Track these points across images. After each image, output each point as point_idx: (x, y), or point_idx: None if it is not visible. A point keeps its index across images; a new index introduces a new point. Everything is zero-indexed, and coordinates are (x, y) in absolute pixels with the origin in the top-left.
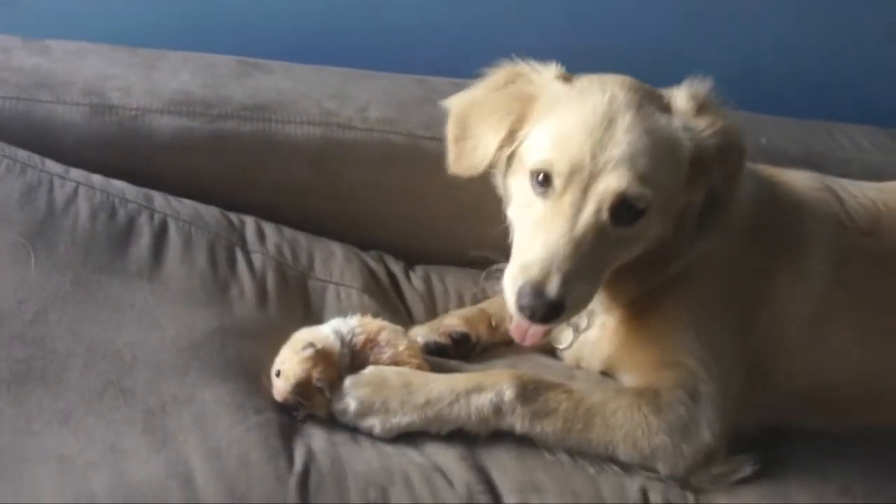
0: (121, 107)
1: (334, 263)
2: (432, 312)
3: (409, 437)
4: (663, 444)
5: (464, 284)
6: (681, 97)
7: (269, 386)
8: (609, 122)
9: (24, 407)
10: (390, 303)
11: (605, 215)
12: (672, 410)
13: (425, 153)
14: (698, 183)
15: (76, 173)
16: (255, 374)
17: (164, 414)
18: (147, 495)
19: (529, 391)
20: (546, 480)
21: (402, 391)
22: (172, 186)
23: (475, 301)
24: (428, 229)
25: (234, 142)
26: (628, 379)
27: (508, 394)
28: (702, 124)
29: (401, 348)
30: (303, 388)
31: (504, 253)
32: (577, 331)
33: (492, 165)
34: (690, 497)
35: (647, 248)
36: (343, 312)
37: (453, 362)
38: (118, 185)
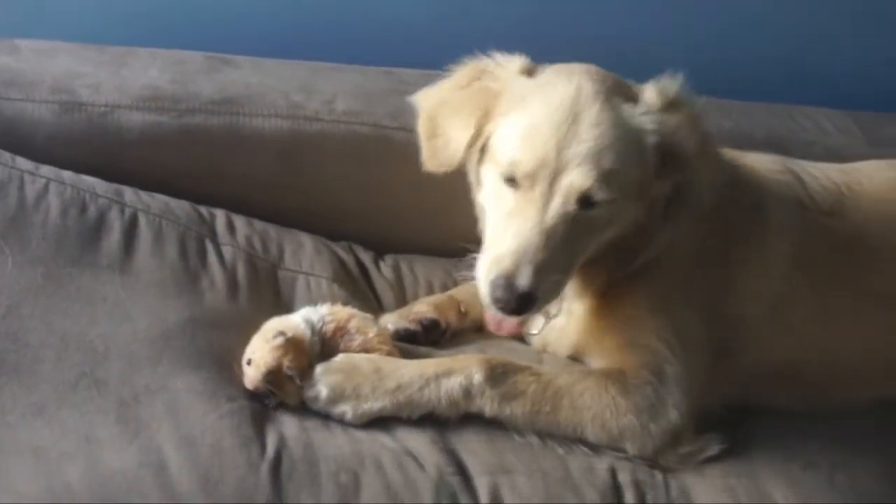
0: (90, 104)
1: (304, 254)
2: (402, 300)
3: (380, 422)
4: (631, 424)
5: (433, 272)
6: (650, 92)
7: (241, 375)
8: (574, 117)
9: None
10: (360, 292)
11: (572, 206)
12: (639, 391)
13: (393, 144)
14: (666, 174)
15: (47, 170)
16: (226, 364)
17: (137, 404)
18: (121, 484)
19: (498, 374)
20: (516, 462)
21: (373, 377)
22: (143, 181)
23: (445, 288)
24: (397, 219)
25: (203, 136)
26: (596, 363)
27: (477, 377)
28: (668, 121)
29: (371, 335)
30: (273, 376)
31: (474, 241)
32: (547, 317)
33: (463, 158)
34: (659, 476)
35: (618, 235)
36: (313, 302)
37: (423, 349)
38: (89, 180)
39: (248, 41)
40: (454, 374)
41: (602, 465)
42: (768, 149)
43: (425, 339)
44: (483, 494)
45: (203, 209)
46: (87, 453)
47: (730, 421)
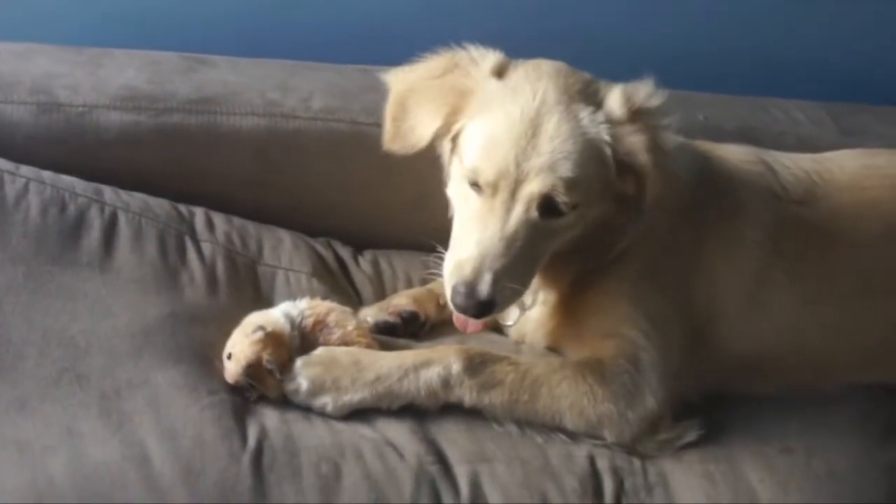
0: (68, 104)
1: (283, 250)
2: (381, 294)
3: (360, 413)
4: (608, 411)
5: (412, 266)
6: (614, 99)
7: (222, 369)
8: (534, 130)
9: None
10: (339, 286)
11: (533, 214)
12: (616, 379)
13: (369, 140)
14: (628, 178)
15: (26, 170)
16: (207, 358)
17: (119, 397)
18: (105, 477)
19: (476, 364)
20: (495, 450)
21: (353, 369)
22: (122, 181)
23: (424, 282)
24: (375, 214)
25: (180, 135)
26: (572, 352)
27: (456, 367)
28: (625, 134)
29: (349, 328)
30: (253, 370)
31: (447, 236)
32: (522, 309)
33: (434, 149)
34: (637, 462)
35: (587, 232)
36: (293, 296)
37: (402, 341)
38: (68, 180)
39: (223, 41)
40: (433, 364)
41: (581, 452)
42: (740, 140)
43: (405, 331)
44: (463, 483)
45: (182, 207)
46: (71, 446)
47: (707, 407)
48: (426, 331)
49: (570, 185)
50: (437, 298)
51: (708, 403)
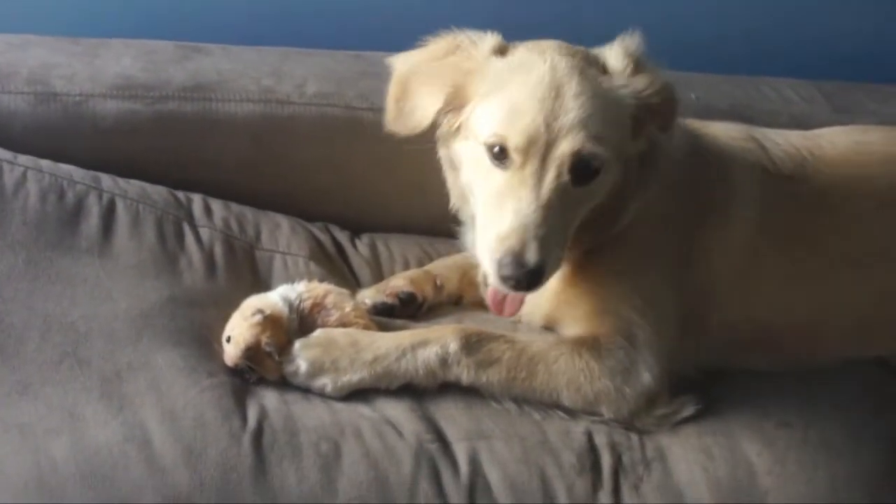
0: (65, 94)
1: (281, 234)
2: (378, 277)
3: (359, 393)
4: (605, 388)
5: (409, 249)
6: (615, 57)
7: (221, 352)
8: (557, 90)
9: None
10: (337, 269)
11: (566, 178)
12: (612, 355)
13: (364, 124)
14: (640, 135)
15: (24, 158)
16: (206, 340)
17: (119, 380)
18: (107, 458)
19: (473, 342)
20: (493, 427)
21: (351, 350)
22: (119, 169)
23: (420, 264)
24: (371, 198)
25: (176, 122)
26: (568, 331)
27: (453, 346)
28: (640, 83)
29: (347, 310)
30: (252, 352)
31: (449, 218)
32: None
33: (436, 131)
34: (634, 437)
35: (601, 201)
36: (290, 280)
37: (400, 322)
38: (66, 168)
39: (218, 29)
40: (430, 343)
41: (578, 428)
42: (733, 119)
43: (402, 312)
44: (462, 460)
45: (180, 193)
46: (73, 429)
47: (704, 382)
48: (423, 312)
49: (600, 141)
50: (434, 280)
51: (705, 378)
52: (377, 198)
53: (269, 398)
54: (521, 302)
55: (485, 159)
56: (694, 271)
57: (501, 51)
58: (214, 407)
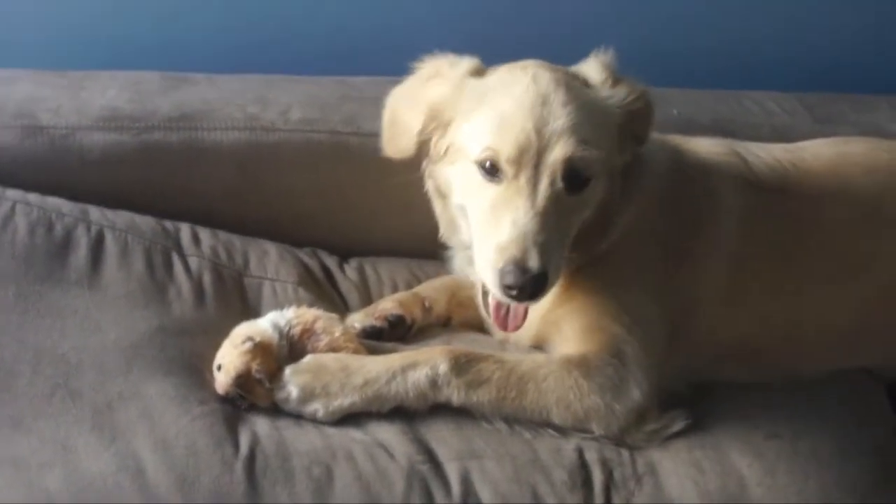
0: (51, 126)
1: (269, 261)
2: (367, 301)
3: (350, 417)
4: (595, 405)
5: (397, 272)
6: (593, 71)
7: (212, 380)
8: (544, 99)
9: None
10: (326, 294)
11: (560, 185)
12: (601, 372)
13: (349, 149)
14: (626, 145)
15: (12, 192)
16: (197, 369)
17: (111, 411)
18: (100, 489)
19: (462, 363)
20: (484, 447)
21: (341, 374)
22: (107, 200)
23: (409, 286)
24: (359, 222)
25: (163, 152)
26: (557, 349)
27: (443, 367)
28: (622, 93)
29: (337, 334)
30: (243, 380)
31: (437, 241)
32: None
33: (425, 155)
34: (625, 453)
35: (590, 214)
36: (280, 306)
37: (390, 344)
38: (54, 201)
39: (203, 59)
40: (420, 365)
41: (569, 445)
42: (715, 133)
43: (391, 335)
44: (454, 480)
45: (168, 223)
46: (66, 461)
47: (693, 396)
48: (413, 334)
49: (590, 147)
50: (422, 302)
51: (694, 392)
52: (364, 222)
53: (261, 424)
54: (525, 315)
55: (476, 176)
56: (680, 286)
57: (478, 72)
58: (206, 434)
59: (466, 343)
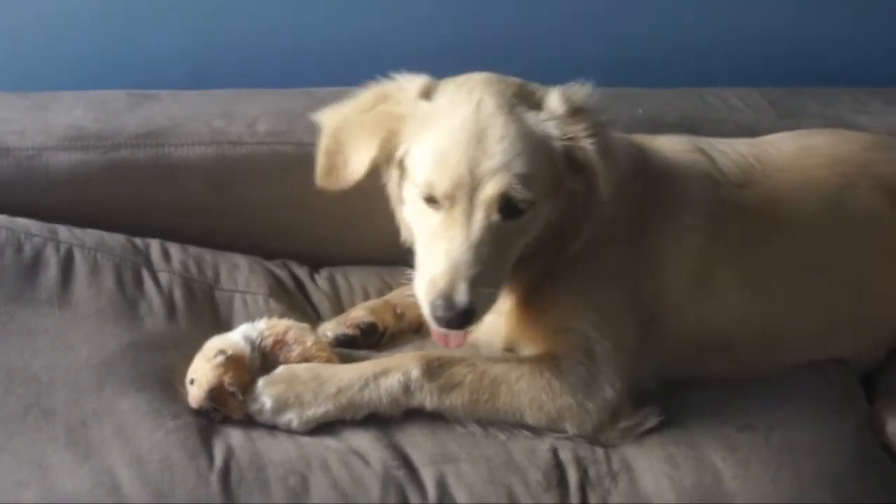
0: (16, 148)
1: (239, 274)
2: (339, 310)
3: (325, 425)
4: (568, 404)
5: (368, 280)
6: (554, 98)
7: (185, 394)
8: (480, 134)
9: None
10: (297, 305)
11: (495, 217)
12: (572, 371)
13: (315, 160)
14: (576, 173)
15: None
16: (169, 383)
17: (85, 428)
18: None
19: (434, 368)
20: (459, 450)
21: (314, 384)
22: (76, 219)
23: (380, 294)
24: (328, 233)
25: (130, 170)
26: (528, 351)
27: (415, 372)
28: (573, 128)
29: (308, 344)
30: (216, 394)
31: (402, 249)
32: None
33: (381, 175)
34: (599, 451)
35: (544, 232)
36: (251, 318)
37: (363, 352)
38: (22, 221)
39: (166, 76)
40: (392, 372)
41: (543, 445)
42: (680, 131)
43: (364, 342)
44: (429, 484)
45: (138, 240)
46: (41, 479)
47: (666, 391)
48: (385, 341)
49: (525, 181)
50: (393, 308)
51: (666, 388)
52: (334, 231)
53: (235, 436)
54: (465, 336)
55: (420, 202)
56: (647, 283)
57: (428, 92)
58: (180, 448)
59: (439, 349)
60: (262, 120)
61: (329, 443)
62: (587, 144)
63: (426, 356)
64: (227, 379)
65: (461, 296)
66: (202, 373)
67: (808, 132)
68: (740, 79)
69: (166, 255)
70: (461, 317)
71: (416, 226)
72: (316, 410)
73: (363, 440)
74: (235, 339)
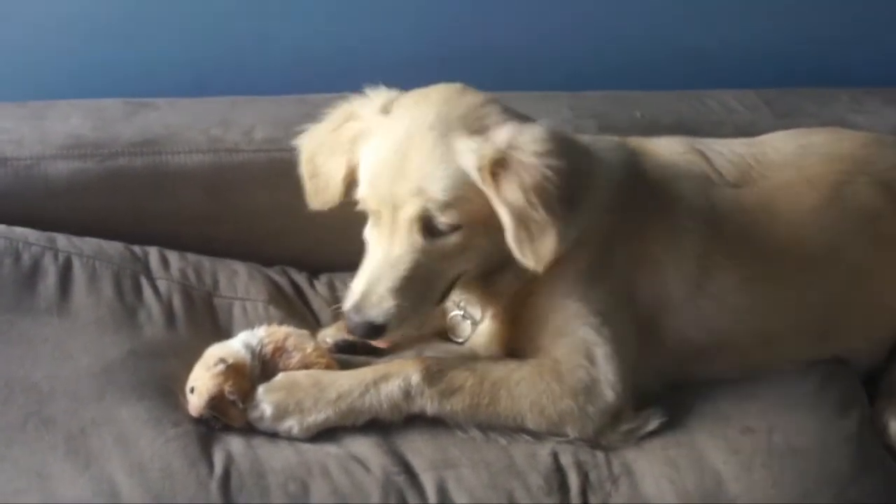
0: (14, 158)
1: (238, 281)
2: (338, 315)
3: (325, 432)
4: (569, 408)
5: None
6: (500, 132)
7: (185, 402)
8: (403, 156)
9: None
10: (297, 311)
11: (416, 236)
12: (573, 375)
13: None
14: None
15: None
16: (169, 391)
17: (85, 437)
18: None
19: (435, 373)
20: (459, 455)
21: (314, 390)
22: (75, 227)
23: None
24: (326, 238)
25: (128, 178)
26: (527, 355)
27: (415, 378)
28: (497, 168)
29: (308, 350)
30: (216, 402)
31: None
32: (474, 323)
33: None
34: (600, 455)
35: (504, 248)
36: (250, 325)
37: (362, 358)
38: (20, 231)
39: (163, 84)
40: (392, 377)
41: (544, 450)
42: (678, 134)
43: (364, 348)
44: (430, 490)
45: (136, 248)
46: (41, 489)
47: (666, 394)
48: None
49: (443, 207)
50: None
51: (667, 390)
52: (332, 237)
53: (235, 443)
54: (387, 342)
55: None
56: (646, 286)
57: (387, 107)
58: (181, 456)
59: (438, 353)
60: (258, 127)
61: (329, 449)
62: (502, 192)
63: (426, 361)
64: (227, 387)
65: (371, 308)
66: (202, 381)
67: (806, 131)
68: (737, 81)
69: (165, 262)
70: (369, 328)
71: (366, 236)
72: (316, 417)
73: (363, 446)
74: (235, 347)
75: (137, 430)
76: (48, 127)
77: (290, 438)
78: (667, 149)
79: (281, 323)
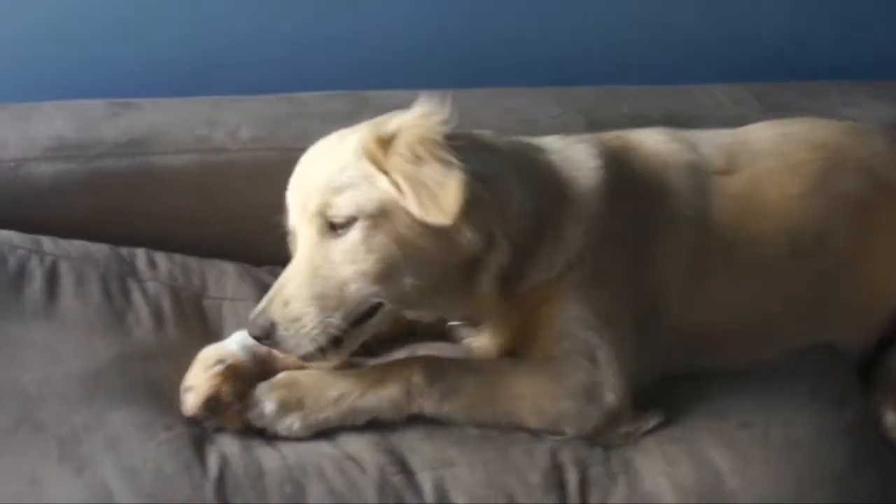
0: None
1: (228, 281)
2: None
3: (320, 431)
4: (568, 408)
5: None
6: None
7: (178, 403)
8: (309, 163)
9: None
10: None
11: (315, 238)
12: (572, 375)
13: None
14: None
15: None
16: (160, 393)
17: (77, 441)
18: None
19: (435, 372)
20: (457, 454)
21: (315, 389)
22: (61, 230)
23: None
24: None
25: (113, 179)
26: (527, 355)
27: (416, 377)
28: (389, 138)
29: None
30: (213, 402)
31: None
32: (473, 327)
33: None
34: (599, 451)
35: (463, 261)
36: (241, 326)
37: (358, 358)
38: (5, 234)
39: (147, 84)
40: (392, 377)
41: (542, 447)
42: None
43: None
44: (427, 489)
45: (123, 250)
46: (34, 494)
47: (663, 389)
48: (379, 344)
49: (333, 193)
50: None
51: (663, 385)
52: None
53: (229, 445)
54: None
55: None
56: (644, 282)
57: None
58: (174, 459)
59: (434, 351)
60: (244, 126)
61: (325, 449)
62: (390, 160)
63: (427, 360)
64: (224, 388)
65: (266, 313)
66: (199, 382)
67: (788, 121)
68: (726, 75)
69: (153, 264)
70: (261, 330)
71: None
72: (317, 415)
73: (359, 445)
74: (232, 348)
75: (129, 433)
76: (31, 129)
77: (288, 437)
78: (652, 139)
79: None
